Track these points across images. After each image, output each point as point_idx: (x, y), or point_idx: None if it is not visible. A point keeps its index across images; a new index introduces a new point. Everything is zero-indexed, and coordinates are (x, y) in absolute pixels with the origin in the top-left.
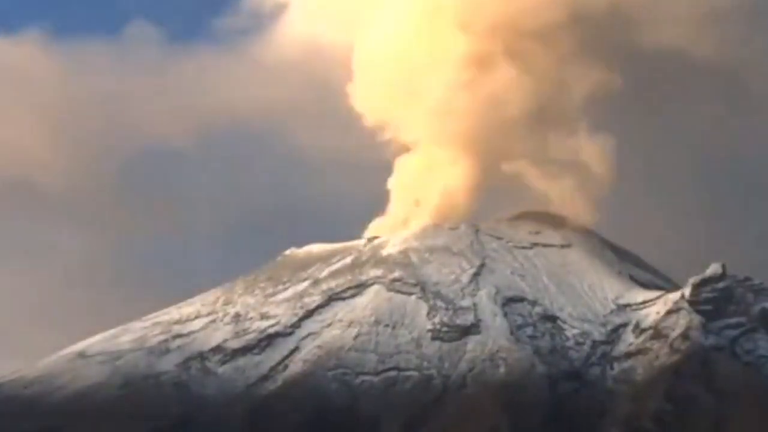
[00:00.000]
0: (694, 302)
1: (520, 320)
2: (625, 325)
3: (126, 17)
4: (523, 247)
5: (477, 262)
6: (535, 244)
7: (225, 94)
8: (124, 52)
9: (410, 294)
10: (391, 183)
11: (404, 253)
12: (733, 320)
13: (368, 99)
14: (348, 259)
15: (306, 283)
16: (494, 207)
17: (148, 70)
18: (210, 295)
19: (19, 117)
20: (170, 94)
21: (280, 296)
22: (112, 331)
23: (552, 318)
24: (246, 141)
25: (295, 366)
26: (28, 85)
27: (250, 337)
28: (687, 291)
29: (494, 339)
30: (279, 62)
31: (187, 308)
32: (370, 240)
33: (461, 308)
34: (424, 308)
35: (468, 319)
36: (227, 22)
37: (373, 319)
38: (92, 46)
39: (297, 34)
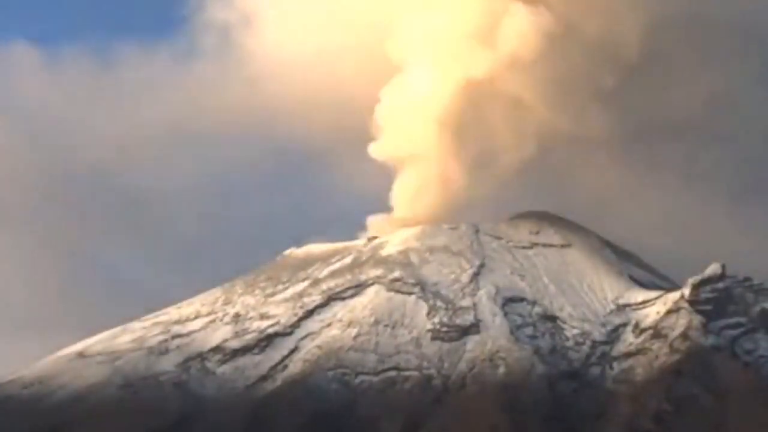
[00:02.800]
0: (693, 302)
1: (519, 320)
2: (624, 325)
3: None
4: (523, 247)
5: (477, 262)
6: (535, 244)
7: (221, 95)
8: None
9: (410, 294)
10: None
11: (404, 253)
12: (733, 320)
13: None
14: (348, 259)
15: (306, 283)
16: (494, 207)
17: (134, 75)
18: (210, 295)
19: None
20: (183, 92)
21: (280, 296)
22: (111, 331)
23: (552, 318)
24: (246, 142)
25: (295, 366)
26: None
27: (250, 337)
28: (687, 291)
29: (494, 339)
30: (270, 63)
31: (186, 308)
32: (370, 240)
33: (461, 308)
34: (423, 308)
35: (468, 319)
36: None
37: (372, 319)
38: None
39: (272, 39)
